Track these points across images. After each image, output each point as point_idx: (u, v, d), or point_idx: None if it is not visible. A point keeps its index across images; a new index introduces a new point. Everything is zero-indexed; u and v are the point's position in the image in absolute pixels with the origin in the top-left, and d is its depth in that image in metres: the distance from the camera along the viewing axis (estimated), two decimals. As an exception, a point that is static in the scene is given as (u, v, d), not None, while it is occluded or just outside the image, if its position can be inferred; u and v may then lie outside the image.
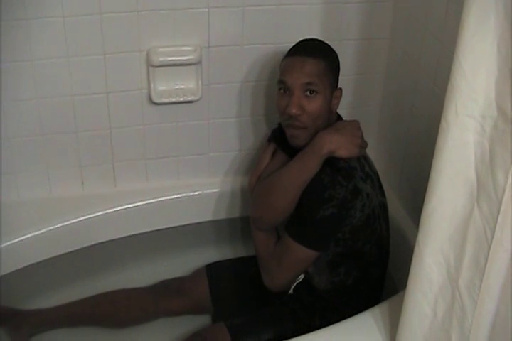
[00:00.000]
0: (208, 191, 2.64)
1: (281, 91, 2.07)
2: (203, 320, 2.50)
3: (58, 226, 2.42)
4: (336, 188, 1.97)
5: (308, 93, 2.02)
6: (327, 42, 2.16)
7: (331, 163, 2.00)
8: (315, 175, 2.00)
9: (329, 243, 2.06)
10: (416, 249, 1.61)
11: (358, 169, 2.03)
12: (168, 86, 2.41)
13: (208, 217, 2.67)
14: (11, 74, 2.25)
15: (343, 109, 2.15)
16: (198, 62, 2.37)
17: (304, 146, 2.06)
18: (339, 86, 2.13)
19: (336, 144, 1.99)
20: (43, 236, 2.40)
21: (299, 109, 2.02)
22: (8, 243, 2.34)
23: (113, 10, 2.24)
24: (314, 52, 2.07)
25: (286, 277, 2.14)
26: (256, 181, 2.24)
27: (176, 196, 2.59)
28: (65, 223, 2.43)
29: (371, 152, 2.14)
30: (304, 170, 2.01)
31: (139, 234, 2.59)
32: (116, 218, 2.51)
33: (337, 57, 2.13)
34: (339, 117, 2.19)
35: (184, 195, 2.60)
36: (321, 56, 2.06)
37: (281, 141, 2.19)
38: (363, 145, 2.07)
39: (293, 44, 2.13)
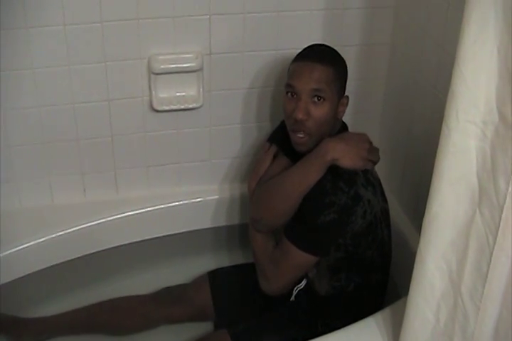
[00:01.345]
0: (210, 198, 2.63)
1: (289, 95, 2.07)
2: (205, 327, 2.49)
3: (60, 234, 2.42)
4: (337, 194, 1.97)
5: (315, 99, 2.02)
6: (327, 48, 2.16)
7: (333, 168, 2.00)
8: (317, 181, 2.00)
9: (329, 248, 2.06)
10: (418, 255, 1.62)
11: (360, 175, 2.02)
12: (170, 93, 2.41)
13: (209, 223, 2.67)
14: (12, 82, 2.25)
15: (345, 115, 2.15)
16: (199, 69, 2.37)
17: (307, 152, 2.06)
18: (342, 93, 2.14)
19: (341, 152, 1.98)
20: (44, 244, 2.40)
21: (306, 114, 2.01)
22: (10, 251, 2.34)
23: (114, 18, 2.24)
24: (324, 58, 2.06)
25: (284, 281, 2.13)
26: (255, 183, 2.24)
27: (177, 203, 2.59)
28: (67, 231, 2.43)
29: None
30: (306, 175, 2.01)
31: (141, 241, 2.59)
32: (118, 225, 2.51)
33: (345, 64, 2.13)
34: (344, 125, 2.19)
35: (186, 201, 2.60)
36: (331, 63, 2.06)
37: (284, 143, 2.19)
38: (373, 159, 2.04)
39: (294, 50, 2.13)
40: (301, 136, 2.05)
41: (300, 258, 2.05)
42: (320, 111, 2.02)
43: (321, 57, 2.07)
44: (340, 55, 2.12)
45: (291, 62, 2.11)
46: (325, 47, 2.15)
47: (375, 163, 2.07)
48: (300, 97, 2.02)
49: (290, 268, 2.09)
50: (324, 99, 2.02)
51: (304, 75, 2.02)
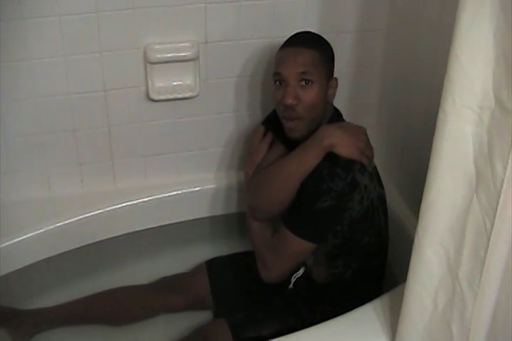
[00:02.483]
0: (208, 187, 2.64)
1: (277, 83, 2.07)
2: (203, 316, 2.49)
3: (58, 225, 2.43)
4: (334, 180, 1.97)
5: (303, 83, 2.02)
6: (324, 35, 2.15)
7: (330, 155, 1.99)
8: (314, 167, 2.00)
9: (327, 235, 2.06)
10: (415, 241, 1.62)
11: (356, 161, 2.02)
12: (166, 82, 2.41)
13: (208, 212, 2.68)
14: (9, 73, 2.25)
15: (342, 102, 2.15)
16: (195, 58, 2.37)
17: (301, 138, 2.07)
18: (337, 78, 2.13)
19: (338, 139, 1.97)
20: (42, 235, 2.40)
21: (295, 99, 2.01)
22: (8, 242, 2.34)
23: (109, 7, 2.23)
24: (307, 42, 2.07)
25: (283, 269, 2.14)
26: (252, 171, 2.24)
27: (175, 192, 2.59)
28: (65, 221, 2.44)
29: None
30: (303, 161, 2.01)
31: (139, 231, 2.59)
32: (116, 215, 2.52)
33: (331, 47, 2.13)
34: (336, 110, 2.18)
35: (184, 191, 2.60)
36: (315, 46, 2.06)
37: (279, 131, 2.19)
38: (368, 153, 2.03)
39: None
40: (292, 121, 2.05)
41: (298, 246, 2.05)
42: (309, 95, 2.02)
43: (305, 41, 2.08)
44: (324, 39, 2.13)
45: (277, 52, 2.12)
46: (308, 33, 2.16)
47: (370, 159, 2.06)
48: (288, 83, 2.03)
49: (289, 256, 2.09)
50: (312, 82, 2.02)
51: (289, 60, 2.03)
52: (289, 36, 2.13)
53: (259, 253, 2.18)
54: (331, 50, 2.13)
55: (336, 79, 2.12)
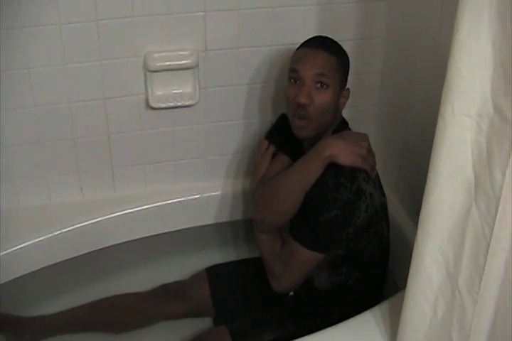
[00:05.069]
0: (207, 194, 2.63)
1: (292, 80, 2.07)
2: (204, 324, 2.50)
3: (58, 232, 2.42)
4: (339, 190, 1.97)
5: (318, 85, 2.02)
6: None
7: (334, 164, 1.99)
8: (318, 177, 2.00)
9: (335, 244, 2.06)
10: (415, 248, 1.62)
11: (361, 170, 2.02)
12: (166, 90, 2.41)
13: (207, 220, 2.67)
14: (8, 82, 2.25)
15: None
16: (195, 66, 2.37)
17: (306, 138, 2.09)
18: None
19: (338, 149, 1.98)
20: (43, 243, 2.40)
21: (308, 98, 2.01)
22: (8, 250, 2.34)
23: (109, 16, 2.24)
24: (328, 47, 2.08)
25: (294, 280, 2.13)
26: (256, 185, 2.24)
27: (174, 200, 2.59)
28: (65, 229, 2.43)
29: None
30: (305, 173, 2.01)
31: (139, 238, 2.58)
32: (116, 223, 2.51)
33: (348, 57, 2.14)
34: (344, 121, 2.19)
35: (183, 198, 2.60)
36: (334, 52, 2.07)
37: (282, 141, 2.20)
38: (370, 161, 2.04)
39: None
40: (302, 120, 2.05)
41: (308, 257, 2.05)
42: (322, 98, 2.02)
43: (325, 45, 2.08)
44: (343, 49, 2.14)
45: (296, 50, 2.11)
46: (329, 39, 2.16)
47: (373, 166, 2.06)
48: (304, 82, 2.03)
49: (299, 267, 2.08)
50: (327, 86, 2.02)
51: (308, 60, 2.03)
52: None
53: (268, 265, 2.17)
54: (348, 60, 2.14)
55: (348, 90, 2.13)
